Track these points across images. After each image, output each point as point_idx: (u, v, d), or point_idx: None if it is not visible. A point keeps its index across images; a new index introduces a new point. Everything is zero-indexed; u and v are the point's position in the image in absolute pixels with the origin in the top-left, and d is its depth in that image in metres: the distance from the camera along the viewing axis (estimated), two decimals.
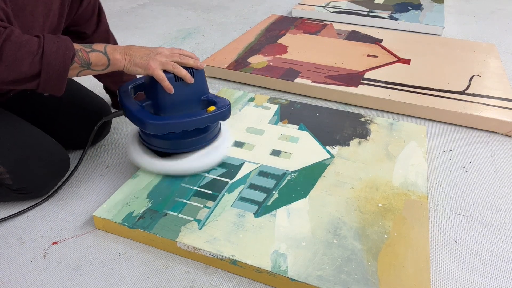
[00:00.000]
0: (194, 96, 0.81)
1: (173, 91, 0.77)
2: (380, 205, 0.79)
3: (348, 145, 0.96)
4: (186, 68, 0.79)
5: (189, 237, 0.71)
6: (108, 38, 1.06)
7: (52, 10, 0.81)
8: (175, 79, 0.77)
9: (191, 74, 0.78)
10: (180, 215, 0.76)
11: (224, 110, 0.81)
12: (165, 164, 0.83)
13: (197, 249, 0.69)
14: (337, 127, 1.03)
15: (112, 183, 0.89)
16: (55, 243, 0.75)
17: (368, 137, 1.00)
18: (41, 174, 0.80)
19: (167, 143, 0.83)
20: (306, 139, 0.98)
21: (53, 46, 0.68)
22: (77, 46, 0.72)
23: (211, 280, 0.68)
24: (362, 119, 1.07)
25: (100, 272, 0.69)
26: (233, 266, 0.68)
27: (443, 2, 2.14)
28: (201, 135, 0.84)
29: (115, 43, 1.09)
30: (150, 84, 0.80)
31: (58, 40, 0.69)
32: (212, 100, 0.82)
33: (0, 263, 0.70)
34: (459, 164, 0.98)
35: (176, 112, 0.80)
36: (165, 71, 0.77)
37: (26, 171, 0.78)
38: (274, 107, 1.12)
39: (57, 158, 0.84)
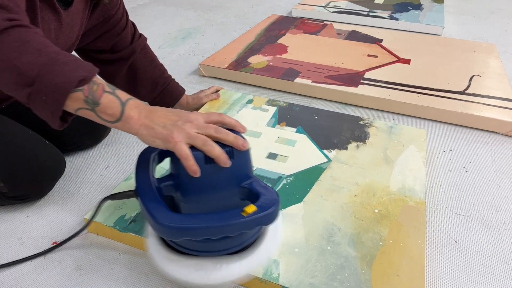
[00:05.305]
0: (230, 184, 0.58)
1: (198, 175, 0.54)
2: (376, 211, 0.77)
3: (346, 148, 0.95)
4: (224, 145, 0.56)
5: None
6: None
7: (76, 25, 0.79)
8: (205, 160, 0.55)
9: (229, 154, 0.56)
10: None
11: (269, 213, 0.55)
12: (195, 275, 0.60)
13: None
14: (336, 130, 1.02)
15: (112, 183, 0.89)
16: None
17: (366, 140, 0.98)
18: (36, 181, 0.79)
19: (196, 243, 0.60)
20: (304, 142, 0.97)
21: (66, 58, 0.54)
22: (99, 79, 0.56)
23: None
24: (361, 122, 1.05)
25: (100, 272, 0.69)
26: None
27: (443, 2, 2.14)
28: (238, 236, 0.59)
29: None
30: (173, 161, 0.59)
31: (77, 58, 0.56)
32: (255, 191, 0.58)
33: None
34: (459, 164, 0.98)
35: (201, 203, 0.58)
36: (193, 147, 0.55)
37: (20, 180, 0.77)
38: (273, 109, 1.11)
39: (52, 162, 0.82)
